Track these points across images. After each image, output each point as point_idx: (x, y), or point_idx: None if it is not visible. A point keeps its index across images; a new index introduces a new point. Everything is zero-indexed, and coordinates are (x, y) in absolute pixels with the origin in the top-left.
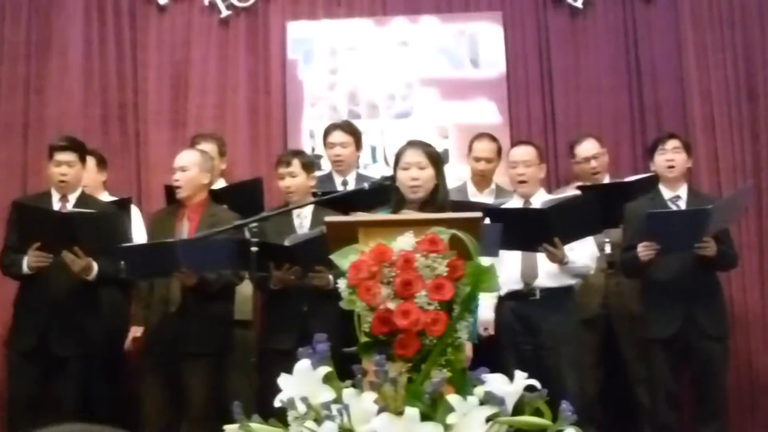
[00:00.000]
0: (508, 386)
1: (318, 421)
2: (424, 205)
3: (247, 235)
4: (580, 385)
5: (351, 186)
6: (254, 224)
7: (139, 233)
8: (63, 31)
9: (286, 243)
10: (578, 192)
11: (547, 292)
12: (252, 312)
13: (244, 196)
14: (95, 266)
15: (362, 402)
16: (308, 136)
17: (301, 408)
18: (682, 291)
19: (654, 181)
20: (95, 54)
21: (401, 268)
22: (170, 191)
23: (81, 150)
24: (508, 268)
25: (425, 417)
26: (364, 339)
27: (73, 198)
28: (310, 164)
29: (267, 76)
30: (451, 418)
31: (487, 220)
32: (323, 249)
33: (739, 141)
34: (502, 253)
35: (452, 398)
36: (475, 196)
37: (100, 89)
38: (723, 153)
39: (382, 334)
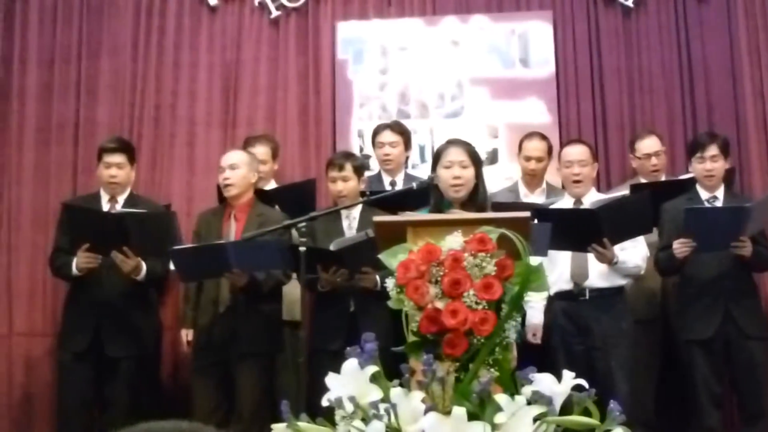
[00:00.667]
0: (556, 386)
1: (365, 420)
2: (464, 204)
3: (296, 235)
4: (632, 386)
5: (399, 186)
6: (303, 224)
7: None
8: (113, 32)
9: (332, 248)
10: (627, 192)
11: (598, 292)
12: (301, 313)
13: (296, 197)
14: (144, 266)
15: (410, 401)
16: (357, 136)
17: (349, 407)
18: (720, 291)
19: (694, 181)
20: (141, 56)
21: (450, 267)
22: (220, 192)
23: (130, 151)
24: (560, 268)
25: (473, 416)
26: (412, 338)
27: (121, 199)
28: (361, 167)
29: (317, 76)
30: (498, 418)
31: (537, 220)
32: (369, 252)
33: None
34: (554, 253)
35: (500, 398)
36: (526, 196)
37: (140, 91)
38: None
39: (431, 334)
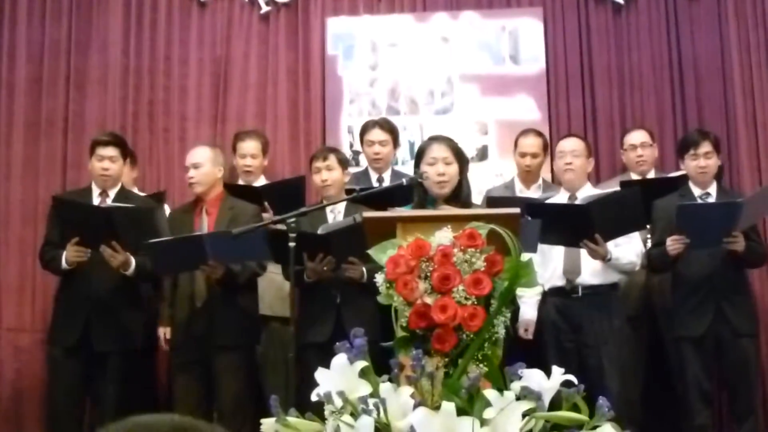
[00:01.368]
0: (545, 381)
1: (354, 415)
2: (448, 200)
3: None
4: (622, 384)
5: (386, 183)
6: (292, 220)
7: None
8: (103, 27)
9: (319, 231)
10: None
11: (590, 289)
12: (290, 308)
13: (285, 194)
14: (133, 261)
15: (399, 396)
16: (346, 132)
17: (338, 402)
18: (712, 288)
19: (686, 178)
20: (132, 51)
21: (439, 262)
22: None
23: (123, 146)
24: (553, 264)
25: (462, 412)
26: (401, 333)
27: (112, 193)
28: (345, 161)
29: (307, 72)
30: (487, 413)
31: (529, 215)
32: (356, 240)
33: None
34: (547, 249)
35: (489, 393)
36: (522, 191)
37: (133, 86)
38: (765, 150)
39: (420, 329)
